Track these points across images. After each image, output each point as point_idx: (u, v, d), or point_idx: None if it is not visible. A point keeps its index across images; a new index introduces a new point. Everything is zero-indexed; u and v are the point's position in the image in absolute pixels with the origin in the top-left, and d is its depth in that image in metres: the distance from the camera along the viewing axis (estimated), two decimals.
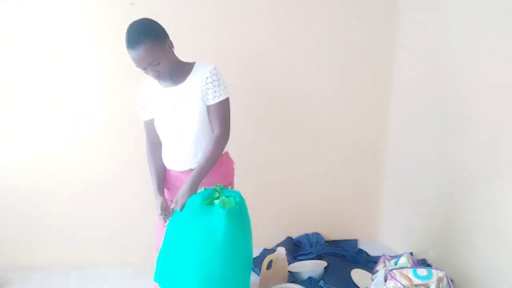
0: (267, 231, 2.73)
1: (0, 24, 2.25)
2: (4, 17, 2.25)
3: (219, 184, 1.74)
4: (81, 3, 2.30)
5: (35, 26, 2.28)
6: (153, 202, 1.95)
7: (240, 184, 1.96)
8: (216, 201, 1.66)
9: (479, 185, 2.08)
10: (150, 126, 1.83)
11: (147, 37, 1.56)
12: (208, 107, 1.71)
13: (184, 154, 1.77)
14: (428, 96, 2.49)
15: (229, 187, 1.90)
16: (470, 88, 2.14)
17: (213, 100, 1.69)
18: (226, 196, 1.70)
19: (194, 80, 1.70)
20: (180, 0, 2.39)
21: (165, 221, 1.71)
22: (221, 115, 1.71)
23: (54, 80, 2.35)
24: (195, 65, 1.72)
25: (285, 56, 2.64)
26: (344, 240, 2.91)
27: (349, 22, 2.70)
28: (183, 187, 1.67)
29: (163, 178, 1.85)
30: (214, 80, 1.68)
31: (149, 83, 1.79)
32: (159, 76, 1.63)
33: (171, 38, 2.44)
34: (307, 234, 2.86)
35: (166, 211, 1.72)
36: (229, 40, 2.50)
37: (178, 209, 1.64)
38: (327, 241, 2.85)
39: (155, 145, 1.84)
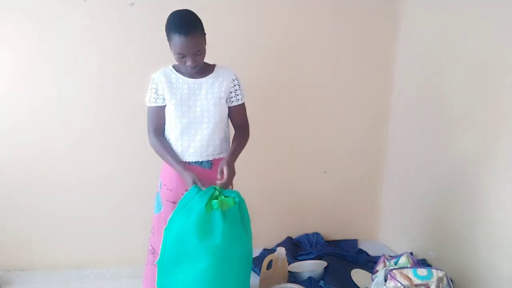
0: (267, 231, 2.73)
1: (0, 23, 2.25)
2: (4, 16, 2.25)
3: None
4: (81, 3, 2.30)
5: (35, 26, 2.28)
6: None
7: (241, 184, 1.96)
8: (214, 202, 1.66)
9: (479, 185, 2.08)
10: (159, 112, 1.81)
11: (199, 27, 1.67)
12: (235, 106, 1.86)
13: (198, 145, 1.79)
14: (428, 97, 2.49)
15: (230, 187, 1.90)
16: (470, 88, 2.14)
17: (240, 101, 1.87)
18: (225, 196, 1.71)
19: (219, 79, 1.80)
20: (179, 0, 2.39)
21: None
22: (245, 113, 1.92)
23: (53, 80, 2.35)
24: (216, 67, 1.84)
25: (284, 57, 2.64)
26: (344, 240, 2.91)
27: (350, 22, 2.70)
28: (226, 157, 1.77)
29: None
30: (239, 84, 1.85)
31: (167, 72, 1.79)
32: (196, 67, 1.71)
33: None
34: (307, 234, 2.86)
35: (201, 183, 1.70)
36: (228, 40, 2.50)
37: (224, 180, 1.70)
38: (327, 241, 2.85)
39: (159, 131, 1.84)
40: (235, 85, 1.83)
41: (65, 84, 2.37)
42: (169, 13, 2.37)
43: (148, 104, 1.81)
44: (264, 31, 2.58)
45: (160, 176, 1.90)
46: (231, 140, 1.93)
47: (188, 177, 1.72)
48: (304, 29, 2.64)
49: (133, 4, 2.36)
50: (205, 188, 1.69)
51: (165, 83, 1.76)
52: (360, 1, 2.69)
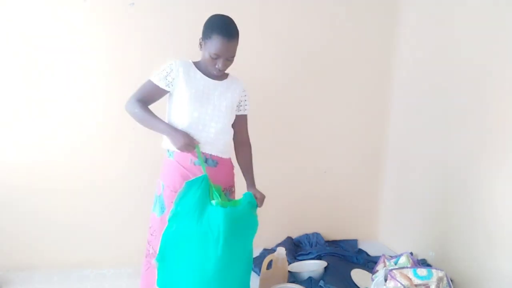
0: (267, 231, 2.73)
1: (1, 23, 2.25)
2: (5, 16, 2.25)
3: (219, 185, 1.75)
4: (81, 3, 2.30)
5: (35, 26, 2.28)
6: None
7: (241, 184, 1.96)
8: (213, 202, 1.66)
9: (478, 185, 2.08)
10: (154, 91, 1.77)
11: (238, 36, 1.73)
12: (241, 116, 1.91)
13: (203, 141, 1.78)
14: (428, 97, 2.49)
15: (233, 189, 1.92)
16: (470, 88, 2.14)
17: (247, 111, 1.93)
18: (228, 200, 1.71)
19: (232, 85, 1.85)
20: (180, 1, 2.40)
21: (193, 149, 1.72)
22: (247, 128, 1.96)
23: (54, 80, 2.35)
24: (230, 75, 1.88)
25: (284, 56, 2.64)
26: (344, 240, 2.91)
27: (350, 23, 2.71)
28: (253, 187, 1.92)
29: None
30: (248, 96, 1.91)
31: (187, 64, 1.78)
32: (224, 70, 1.75)
33: (170, 37, 2.45)
34: (307, 234, 2.86)
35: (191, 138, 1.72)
36: None
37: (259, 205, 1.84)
38: (327, 241, 2.85)
39: (143, 104, 1.78)
40: (245, 95, 1.89)
41: (64, 85, 2.36)
42: (168, 13, 2.40)
43: (151, 78, 1.76)
44: (266, 33, 2.58)
45: (161, 178, 1.86)
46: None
47: (180, 136, 1.69)
48: (305, 31, 2.64)
49: (133, 4, 2.36)
50: (197, 144, 1.72)
51: (182, 73, 1.75)
52: (360, 2, 2.69)
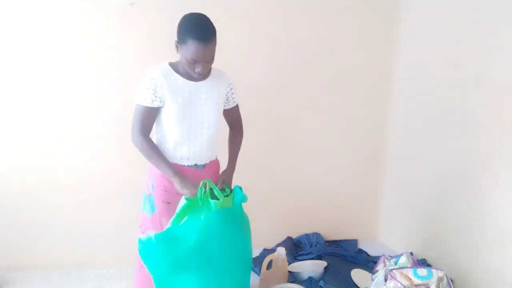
0: (267, 231, 2.73)
1: (0, 23, 2.25)
2: (4, 16, 2.25)
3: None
4: (81, 3, 2.30)
5: (35, 26, 2.28)
6: None
7: (241, 184, 1.96)
8: (212, 201, 1.66)
9: (478, 185, 2.08)
10: (151, 113, 1.72)
11: (215, 35, 1.64)
12: (231, 108, 1.90)
13: (198, 150, 1.78)
14: (428, 97, 2.49)
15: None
16: (470, 89, 2.14)
17: (236, 102, 1.91)
18: (226, 196, 1.71)
19: (217, 83, 1.79)
20: (180, 0, 2.39)
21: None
22: (239, 115, 1.97)
23: (53, 80, 2.35)
24: (213, 70, 1.79)
25: (285, 57, 2.64)
26: (344, 240, 2.91)
27: (350, 23, 2.70)
28: (228, 170, 1.87)
29: None
30: (234, 87, 1.88)
31: (166, 72, 1.70)
32: (205, 73, 1.68)
33: (170, 38, 2.45)
34: (307, 234, 2.86)
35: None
36: (231, 41, 2.49)
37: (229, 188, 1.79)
38: (327, 241, 2.85)
39: (146, 132, 1.75)
40: (231, 89, 1.86)
41: (63, 85, 2.36)
42: (169, 13, 2.39)
43: (142, 103, 1.69)
44: (266, 31, 2.57)
45: (149, 177, 1.85)
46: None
47: (190, 185, 1.66)
48: (305, 30, 2.64)
49: (133, 4, 2.36)
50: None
51: (166, 85, 1.68)
52: (360, 2, 2.69)
